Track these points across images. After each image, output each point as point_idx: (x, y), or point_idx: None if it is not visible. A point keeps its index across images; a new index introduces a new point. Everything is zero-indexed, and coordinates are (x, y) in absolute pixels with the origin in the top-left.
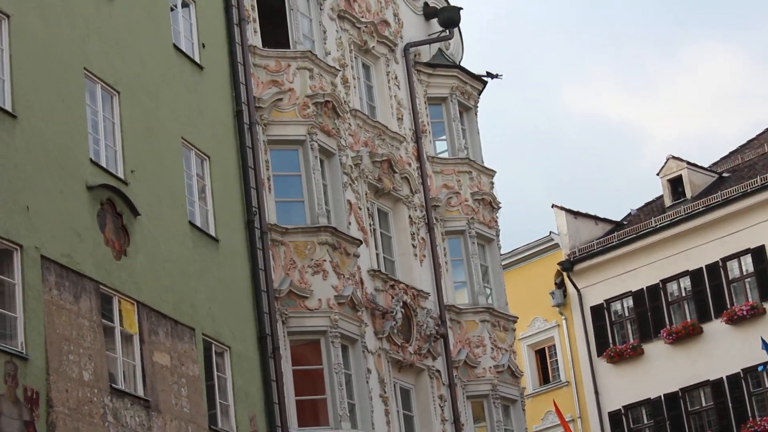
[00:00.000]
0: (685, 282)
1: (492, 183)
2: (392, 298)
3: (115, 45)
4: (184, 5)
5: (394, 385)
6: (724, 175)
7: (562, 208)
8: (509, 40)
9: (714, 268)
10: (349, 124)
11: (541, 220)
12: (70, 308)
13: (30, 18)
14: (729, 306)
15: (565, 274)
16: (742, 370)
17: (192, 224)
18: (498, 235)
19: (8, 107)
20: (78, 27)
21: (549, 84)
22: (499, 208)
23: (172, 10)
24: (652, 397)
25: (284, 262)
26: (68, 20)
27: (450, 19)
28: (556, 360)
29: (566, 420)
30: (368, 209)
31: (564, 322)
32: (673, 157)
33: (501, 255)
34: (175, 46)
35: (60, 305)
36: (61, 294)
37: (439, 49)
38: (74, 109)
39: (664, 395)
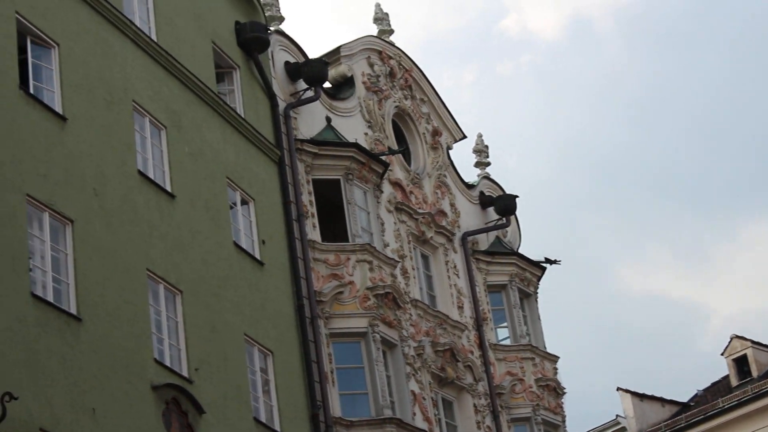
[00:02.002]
0: None
1: (555, 368)
2: None
3: (176, 244)
4: (243, 203)
5: None
6: None
7: (627, 391)
8: (566, 224)
9: None
10: (410, 314)
11: (607, 403)
12: None
13: (93, 222)
14: None
15: None
16: None
17: (257, 420)
18: (564, 421)
19: (73, 311)
20: (140, 228)
21: (607, 264)
22: (564, 393)
23: (231, 208)
24: None
25: None
26: (130, 222)
27: (506, 207)
28: None
29: None
30: (432, 399)
31: None
32: (737, 336)
33: None
34: (235, 243)
35: None
36: None
37: (497, 237)
38: (138, 310)
39: None
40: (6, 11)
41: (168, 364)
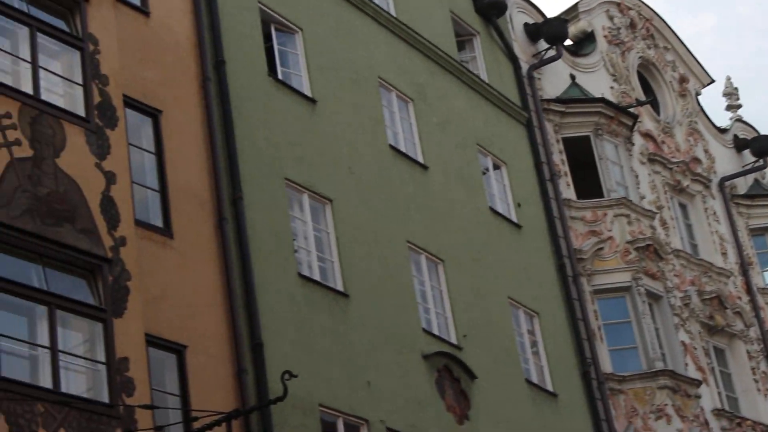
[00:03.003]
0: None
1: None
2: None
3: (434, 215)
4: (496, 167)
5: None
6: None
7: None
8: None
9: None
10: (673, 264)
11: None
12: None
13: (351, 200)
14: None
15: None
16: None
17: (528, 381)
18: None
19: (340, 288)
20: (397, 202)
21: None
22: None
23: (484, 173)
24: None
25: (625, 410)
26: (387, 197)
27: (762, 148)
28: None
29: None
30: (704, 348)
31: None
32: None
33: None
34: (491, 208)
35: None
36: None
37: (755, 180)
38: (402, 282)
39: None
40: (249, 2)
41: (436, 332)
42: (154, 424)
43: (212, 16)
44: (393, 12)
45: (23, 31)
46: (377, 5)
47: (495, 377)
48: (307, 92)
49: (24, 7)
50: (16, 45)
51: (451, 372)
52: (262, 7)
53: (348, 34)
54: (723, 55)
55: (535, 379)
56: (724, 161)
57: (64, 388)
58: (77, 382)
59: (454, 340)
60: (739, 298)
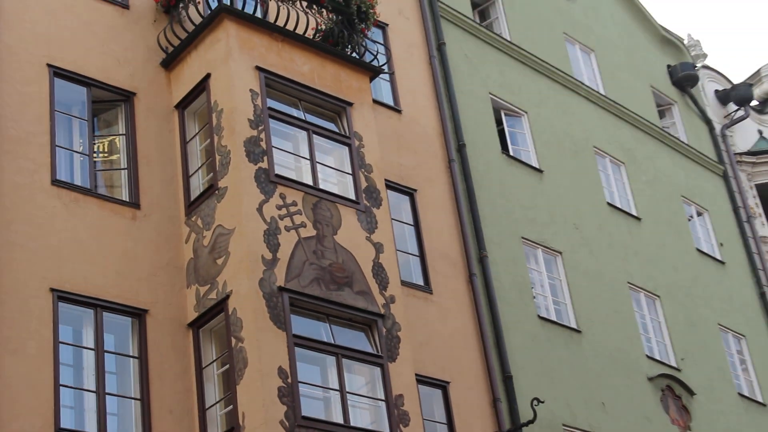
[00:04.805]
0: None
1: None
2: None
3: (648, 258)
4: (699, 214)
5: None
6: None
7: None
8: None
9: None
10: None
11: None
12: None
13: (578, 251)
14: None
15: None
16: None
17: (741, 395)
18: None
19: (573, 325)
20: (616, 250)
21: None
22: None
23: (689, 220)
24: None
25: None
26: (608, 246)
27: None
28: None
29: None
30: None
31: None
32: None
33: None
34: (697, 249)
35: None
36: None
37: None
38: (625, 317)
39: None
40: (482, 94)
41: (658, 357)
42: None
43: (452, 109)
44: (602, 90)
45: (302, 134)
46: (588, 86)
47: (711, 392)
48: (535, 164)
49: (301, 115)
50: (297, 146)
51: (672, 390)
52: (493, 97)
53: (565, 113)
54: None
55: (746, 393)
56: None
57: (352, 422)
58: (363, 417)
59: (673, 363)
60: None
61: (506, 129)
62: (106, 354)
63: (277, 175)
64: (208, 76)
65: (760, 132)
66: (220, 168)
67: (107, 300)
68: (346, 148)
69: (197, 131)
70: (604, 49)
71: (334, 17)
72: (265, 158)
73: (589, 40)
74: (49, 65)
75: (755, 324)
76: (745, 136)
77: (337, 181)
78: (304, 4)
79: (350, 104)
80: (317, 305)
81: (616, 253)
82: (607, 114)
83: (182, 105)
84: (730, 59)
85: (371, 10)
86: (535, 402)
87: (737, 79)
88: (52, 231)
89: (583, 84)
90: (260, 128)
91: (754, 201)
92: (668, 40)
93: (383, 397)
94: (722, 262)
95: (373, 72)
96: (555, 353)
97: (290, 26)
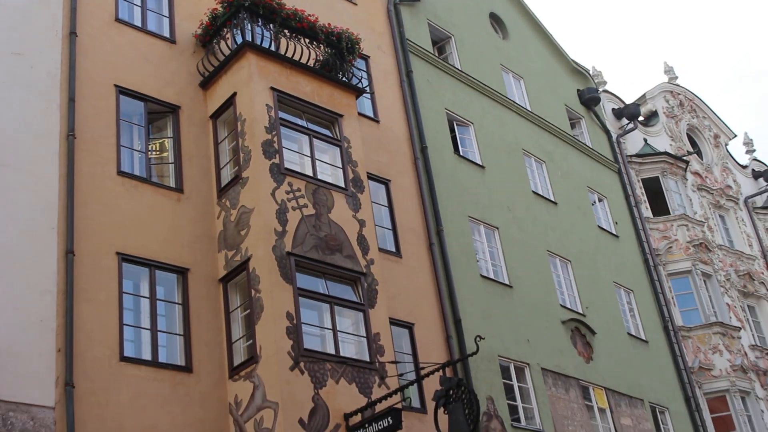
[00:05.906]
0: None
1: None
2: None
3: (562, 233)
4: (599, 200)
5: None
6: None
7: None
8: None
9: None
10: (718, 254)
11: None
12: (564, 397)
13: (510, 227)
14: None
15: None
16: None
17: (629, 334)
18: None
19: (507, 282)
20: (539, 227)
21: None
22: None
23: (593, 204)
24: None
25: (692, 348)
26: (532, 224)
27: None
28: None
29: None
30: (741, 306)
31: None
32: None
33: None
34: (599, 226)
35: (557, 396)
36: (557, 390)
37: None
38: (545, 276)
39: None
40: (440, 109)
41: (569, 306)
42: (398, 372)
43: (417, 120)
44: (529, 107)
45: (305, 138)
46: (519, 104)
47: (607, 332)
48: (479, 162)
49: (305, 124)
50: (301, 147)
51: (579, 331)
52: (448, 111)
53: (502, 124)
54: (744, 115)
55: (633, 332)
56: (747, 186)
57: (342, 353)
58: (350, 349)
59: (580, 311)
60: (762, 273)
61: (458, 136)
62: (158, 301)
63: (286, 169)
64: (234, 94)
65: (645, 140)
66: (243, 163)
67: (159, 261)
68: (338, 149)
69: (226, 135)
70: (531, 76)
71: (330, 50)
72: (277, 156)
73: (519, 69)
74: (115, 85)
75: (640, 282)
76: (634, 142)
77: (331, 173)
78: (307, 40)
79: (341, 116)
80: (316, 266)
81: (538, 229)
82: (532, 125)
83: (215, 116)
84: (623, 84)
85: (357, 45)
86: (477, 338)
87: (629, 99)
88: (117, 209)
89: (515, 102)
90: (273, 133)
91: (640, 191)
92: (578, 71)
93: (365, 335)
94: (617, 236)
95: (358, 92)
96: (493, 303)
97: (297, 57)
